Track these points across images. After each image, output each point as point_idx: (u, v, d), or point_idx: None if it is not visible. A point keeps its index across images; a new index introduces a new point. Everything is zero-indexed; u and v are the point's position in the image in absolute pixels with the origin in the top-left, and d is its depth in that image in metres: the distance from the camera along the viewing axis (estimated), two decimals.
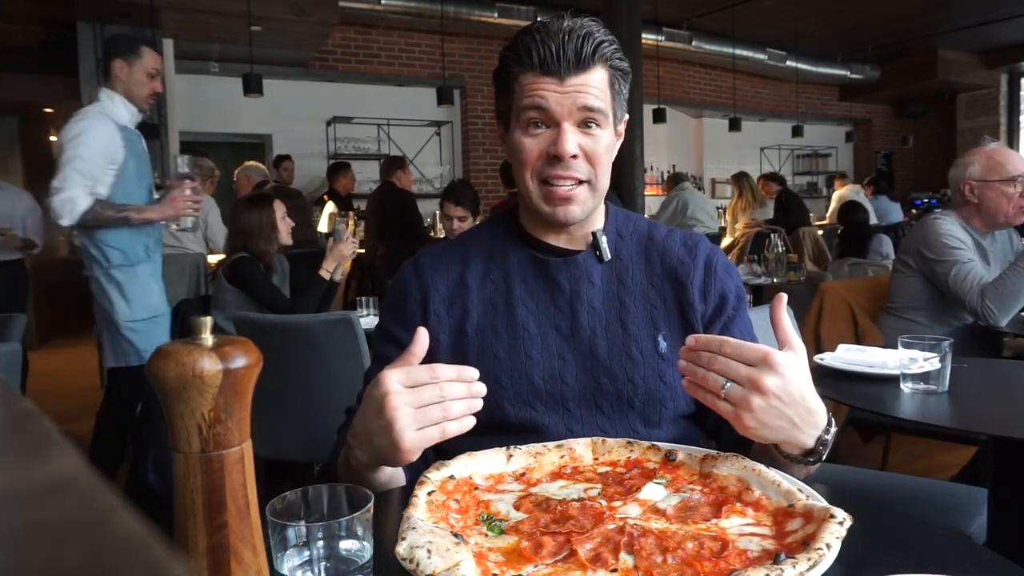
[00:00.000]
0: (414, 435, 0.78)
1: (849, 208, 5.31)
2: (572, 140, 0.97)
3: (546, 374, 1.02)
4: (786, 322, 0.85)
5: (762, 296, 4.12)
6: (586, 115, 0.98)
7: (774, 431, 0.79)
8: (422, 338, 0.84)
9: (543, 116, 0.98)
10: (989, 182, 2.30)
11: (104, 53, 2.70)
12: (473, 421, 0.81)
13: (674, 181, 6.82)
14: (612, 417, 1.02)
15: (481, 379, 1.03)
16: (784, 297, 0.86)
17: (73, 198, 2.45)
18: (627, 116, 1.08)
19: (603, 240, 1.06)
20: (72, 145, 2.47)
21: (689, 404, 1.07)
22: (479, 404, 0.81)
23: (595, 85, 0.98)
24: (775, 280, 4.22)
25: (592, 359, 1.03)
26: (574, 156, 0.98)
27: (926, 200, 9.91)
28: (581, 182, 1.00)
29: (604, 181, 1.03)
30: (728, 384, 0.78)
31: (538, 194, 1.01)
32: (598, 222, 1.09)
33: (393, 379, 0.79)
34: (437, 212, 6.27)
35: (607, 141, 1.01)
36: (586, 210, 1.02)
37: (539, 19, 1.01)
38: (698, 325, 1.06)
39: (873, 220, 6.76)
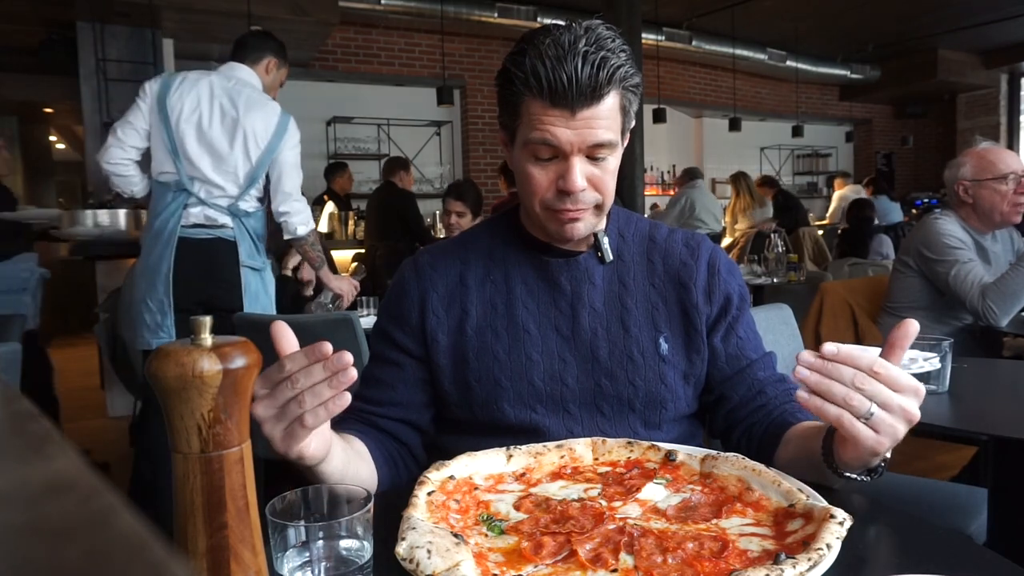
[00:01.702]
0: (281, 434, 0.76)
1: (858, 204, 5.32)
2: (581, 173, 0.95)
3: (546, 375, 1.02)
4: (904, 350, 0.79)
5: (762, 296, 4.12)
6: (596, 150, 0.95)
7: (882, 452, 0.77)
8: (282, 333, 0.78)
9: (552, 150, 0.95)
10: (982, 181, 2.30)
11: (256, 40, 2.69)
12: (347, 398, 0.75)
13: (687, 176, 6.50)
14: (612, 419, 1.02)
15: (480, 380, 1.03)
16: (914, 326, 0.77)
17: (310, 210, 2.59)
18: (633, 123, 1.04)
19: (605, 241, 1.05)
20: (296, 152, 2.55)
21: (690, 405, 1.07)
22: (347, 377, 0.75)
23: (607, 116, 0.93)
24: (775, 280, 4.22)
25: (593, 361, 1.02)
26: (582, 189, 0.96)
27: (926, 200, 9.90)
28: (588, 209, 0.99)
29: (609, 200, 1.01)
30: (875, 409, 0.74)
31: (545, 216, 1.00)
32: (600, 223, 1.08)
33: (256, 386, 0.76)
34: (438, 212, 6.28)
35: (614, 167, 0.99)
36: (590, 227, 1.02)
37: (548, 30, 0.94)
38: (702, 326, 1.05)
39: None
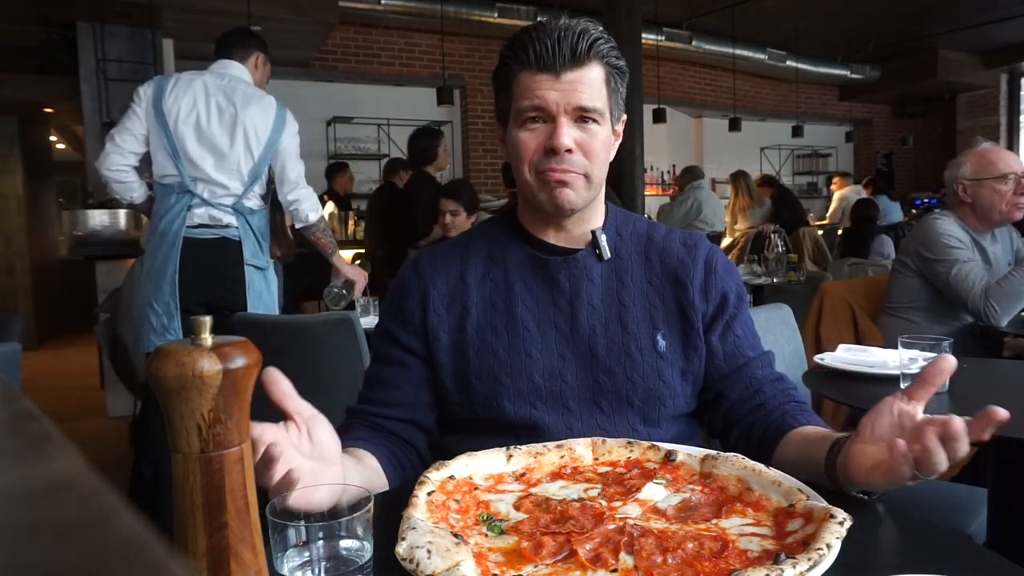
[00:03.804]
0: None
1: (862, 204, 5.34)
2: (568, 134, 0.98)
3: (546, 372, 1.02)
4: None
5: (762, 296, 4.12)
6: (581, 114, 0.99)
7: None
8: (275, 382, 0.72)
9: (540, 112, 0.99)
10: (982, 180, 2.31)
11: (241, 37, 2.71)
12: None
13: (690, 176, 6.38)
14: (611, 416, 1.02)
15: (481, 377, 1.03)
16: (951, 362, 0.80)
17: (316, 196, 2.62)
18: (625, 116, 1.08)
19: (603, 238, 1.06)
20: (296, 142, 2.58)
21: (688, 403, 1.07)
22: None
23: (590, 82, 0.98)
24: (775, 280, 4.22)
25: (591, 357, 1.03)
26: (569, 150, 0.98)
27: (926, 200, 9.89)
28: (577, 174, 1.00)
29: (600, 175, 1.03)
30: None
31: (536, 184, 1.02)
32: (598, 220, 1.09)
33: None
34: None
35: (603, 137, 1.02)
36: (582, 199, 1.02)
37: (538, 19, 1.02)
38: (698, 324, 1.06)
39: None
